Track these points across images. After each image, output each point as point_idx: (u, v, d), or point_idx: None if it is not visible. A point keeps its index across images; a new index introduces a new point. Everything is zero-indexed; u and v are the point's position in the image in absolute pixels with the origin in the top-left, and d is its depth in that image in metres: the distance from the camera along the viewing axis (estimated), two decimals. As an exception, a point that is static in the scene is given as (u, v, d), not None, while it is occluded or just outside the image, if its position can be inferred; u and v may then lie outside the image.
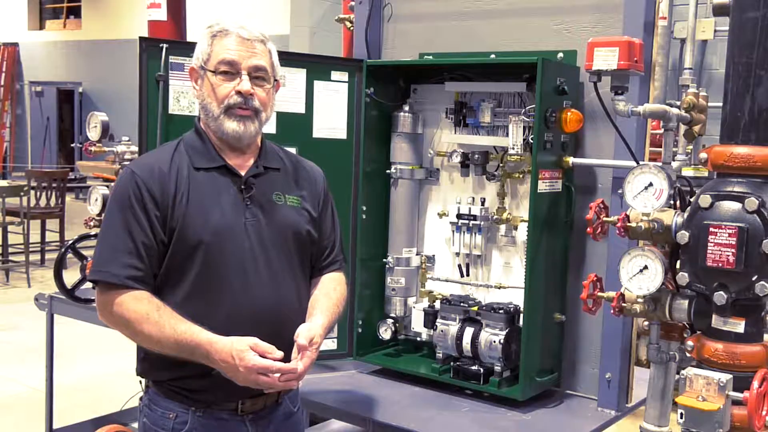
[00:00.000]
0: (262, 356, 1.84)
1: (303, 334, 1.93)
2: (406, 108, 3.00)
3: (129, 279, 1.90)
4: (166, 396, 2.00)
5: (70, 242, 3.54)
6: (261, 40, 2.04)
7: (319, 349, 1.97)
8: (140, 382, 2.14)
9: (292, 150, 2.83)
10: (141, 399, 2.10)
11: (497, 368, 2.70)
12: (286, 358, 1.88)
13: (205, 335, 1.85)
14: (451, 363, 2.81)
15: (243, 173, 2.04)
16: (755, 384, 1.75)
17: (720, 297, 1.81)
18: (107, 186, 3.81)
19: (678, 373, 1.89)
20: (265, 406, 2.05)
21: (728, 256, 1.79)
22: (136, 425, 4.06)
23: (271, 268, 2.01)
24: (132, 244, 1.91)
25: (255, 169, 2.06)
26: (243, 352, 1.82)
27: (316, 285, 2.15)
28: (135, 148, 3.93)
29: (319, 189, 2.20)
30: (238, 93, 1.98)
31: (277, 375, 1.85)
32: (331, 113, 2.96)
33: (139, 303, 1.89)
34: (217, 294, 1.95)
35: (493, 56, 2.83)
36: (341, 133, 2.98)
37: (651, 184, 1.97)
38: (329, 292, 2.14)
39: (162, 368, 1.98)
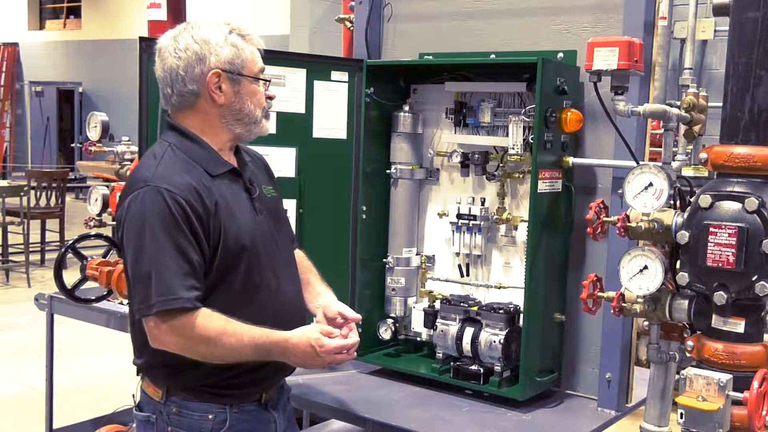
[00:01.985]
0: (329, 337, 1.98)
1: (347, 308, 2.14)
2: (406, 108, 3.00)
3: (197, 300, 1.88)
4: (199, 399, 1.99)
5: (70, 242, 3.53)
6: None
7: None
8: (133, 395, 2.13)
9: (291, 150, 2.86)
10: (138, 407, 2.10)
11: (497, 368, 2.70)
12: None
13: (279, 334, 1.94)
14: (451, 363, 2.81)
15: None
16: (755, 384, 1.75)
17: (720, 297, 1.82)
18: (107, 186, 3.81)
19: (678, 373, 1.89)
20: (277, 391, 2.15)
21: (728, 256, 1.79)
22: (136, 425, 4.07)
23: (285, 261, 2.12)
24: (188, 265, 1.87)
25: (246, 166, 2.11)
26: (320, 339, 1.94)
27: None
28: (135, 148, 3.93)
29: (272, 173, 2.29)
30: (269, 98, 2.08)
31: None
32: (331, 113, 2.96)
33: (210, 320, 1.88)
34: (261, 295, 2.02)
35: (493, 56, 2.82)
36: (341, 133, 2.98)
37: (651, 184, 1.97)
38: (311, 269, 2.31)
39: (201, 372, 1.96)
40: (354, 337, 2.04)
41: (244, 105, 2.01)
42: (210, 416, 1.99)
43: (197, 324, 1.86)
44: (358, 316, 2.09)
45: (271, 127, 2.15)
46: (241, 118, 2.02)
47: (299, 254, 2.30)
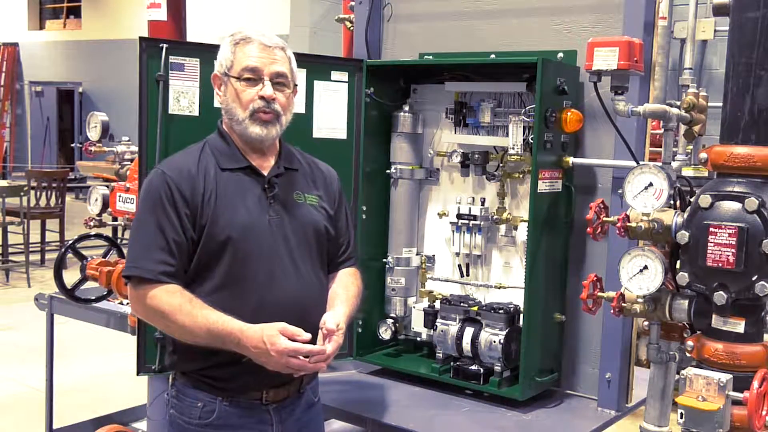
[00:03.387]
0: (291, 340, 1.92)
1: (330, 319, 2.04)
2: (406, 108, 3.00)
3: (161, 274, 1.98)
4: (193, 386, 2.07)
5: (70, 242, 3.54)
6: (281, 47, 2.13)
7: (343, 335, 2.06)
8: (168, 377, 2.20)
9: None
10: (167, 393, 2.17)
11: (497, 368, 2.70)
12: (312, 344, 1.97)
13: (236, 323, 1.94)
14: (451, 363, 2.81)
15: (265, 173, 2.13)
16: (755, 384, 1.75)
17: (720, 297, 1.81)
18: (107, 186, 3.81)
19: (678, 373, 1.89)
20: (288, 395, 2.13)
21: (728, 256, 1.79)
22: (136, 425, 4.07)
23: (294, 262, 2.10)
24: (164, 241, 1.99)
25: (277, 169, 2.15)
26: (274, 337, 1.91)
27: (334, 279, 2.25)
28: (135, 148, 3.92)
29: (335, 188, 2.30)
30: (261, 98, 2.07)
31: (307, 357, 1.93)
32: (331, 113, 2.96)
33: (171, 296, 1.98)
34: (245, 287, 2.03)
35: (493, 56, 2.82)
36: (341, 133, 2.98)
37: (651, 184, 1.97)
38: (347, 285, 2.25)
39: (191, 359, 2.05)
40: (322, 346, 1.97)
41: (229, 104, 2.10)
42: (199, 404, 2.05)
43: (154, 296, 1.98)
44: (332, 327, 2.00)
45: (268, 129, 2.11)
46: (232, 118, 2.10)
47: (346, 270, 2.28)
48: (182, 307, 1.96)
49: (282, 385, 2.10)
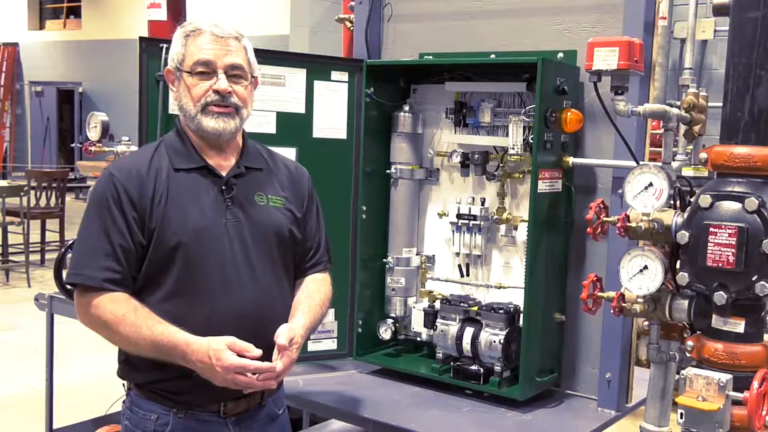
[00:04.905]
0: (240, 355, 1.82)
1: (283, 333, 1.92)
2: (406, 108, 3.00)
3: (106, 281, 1.89)
4: (147, 398, 1.99)
5: (70, 242, 3.54)
6: (235, 37, 2.03)
7: (300, 349, 1.96)
8: (123, 384, 2.12)
9: (291, 150, 2.85)
10: (123, 402, 2.09)
11: (497, 368, 2.70)
12: (268, 359, 1.87)
13: (182, 336, 1.84)
14: (451, 363, 2.81)
15: (224, 173, 2.03)
16: (755, 384, 1.75)
17: (720, 297, 1.81)
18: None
19: (678, 373, 1.89)
20: (248, 408, 2.03)
21: (728, 256, 1.79)
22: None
23: (253, 268, 2.00)
24: (109, 246, 1.89)
25: (236, 169, 2.05)
26: (220, 352, 1.81)
27: (300, 286, 2.15)
28: (135, 148, 3.93)
29: (304, 189, 2.19)
30: (216, 92, 1.98)
31: (256, 374, 1.84)
32: (331, 113, 2.96)
33: (116, 305, 1.88)
34: (197, 295, 1.94)
35: (493, 56, 2.82)
36: (341, 133, 2.98)
37: (651, 184, 1.97)
38: (312, 294, 2.13)
39: (143, 370, 1.96)
40: (272, 364, 1.86)
41: (182, 99, 2.02)
42: (153, 417, 1.96)
43: (97, 304, 1.89)
44: (283, 342, 1.88)
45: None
46: (185, 114, 2.02)
47: (313, 276, 2.18)
48: (126, 318, 1.86)
49: (241, 398, 1.99)
